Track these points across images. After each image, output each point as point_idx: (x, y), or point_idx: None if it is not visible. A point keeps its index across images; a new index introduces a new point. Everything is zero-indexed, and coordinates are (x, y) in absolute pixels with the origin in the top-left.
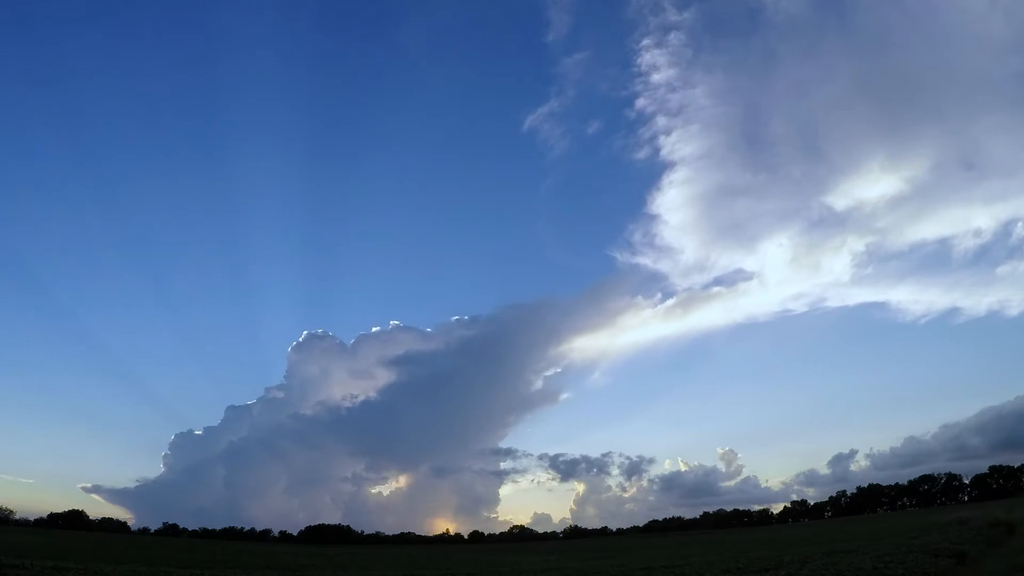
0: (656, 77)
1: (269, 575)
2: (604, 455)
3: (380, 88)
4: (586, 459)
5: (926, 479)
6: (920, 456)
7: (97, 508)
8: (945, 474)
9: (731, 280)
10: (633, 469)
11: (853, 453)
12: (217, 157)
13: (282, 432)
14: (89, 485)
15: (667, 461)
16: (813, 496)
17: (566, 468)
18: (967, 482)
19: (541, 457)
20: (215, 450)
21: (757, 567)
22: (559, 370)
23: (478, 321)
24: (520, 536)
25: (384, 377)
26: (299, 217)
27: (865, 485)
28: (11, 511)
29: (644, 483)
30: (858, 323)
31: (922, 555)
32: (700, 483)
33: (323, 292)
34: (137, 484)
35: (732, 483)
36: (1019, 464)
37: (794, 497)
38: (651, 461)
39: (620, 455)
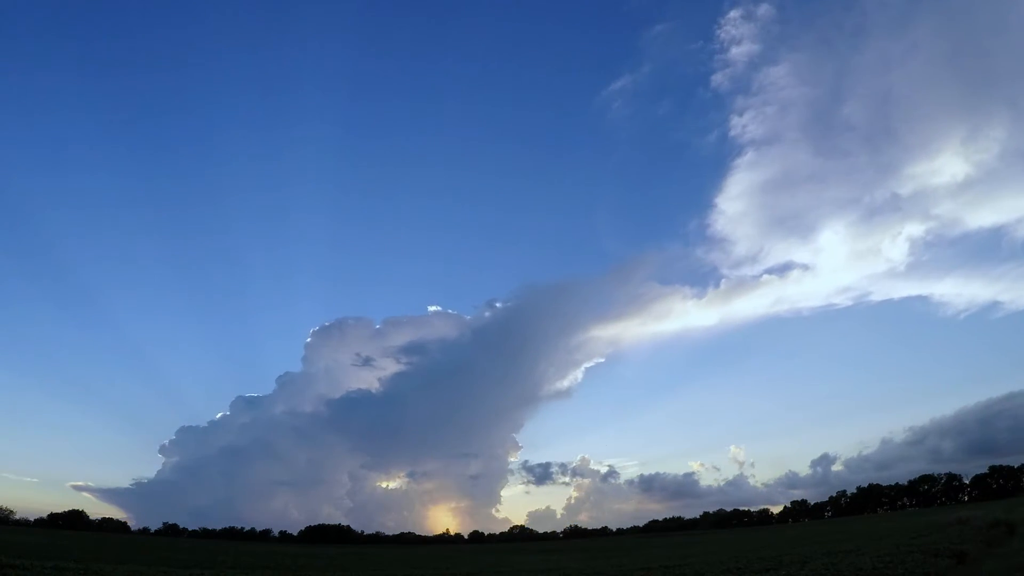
0: (737, 52)
1: (269, 575)
2: (580, 461)
3: (432, 63)
4: (561, 465)
5: (926, 479)
6: (889, 461)
7: (92, 507)
8: (945, 474)
9: (781, 272)
10: (610, 474)
11: (834, 456)
12: (256, 140)
13: (284, 427)
14: (81, 484)
15: (677, 463)
16: (799, 497)
17: (541, 472)
18: (967, 482)
19: (512, 463)
20: (217, 444)
21: (757, 567)
22: (587, 363)
23: (492, 306)
24: (520, 536)
25: (395, 368)
26: (342, 199)
27: (866, 485)
28: (11, 511)
29: (622, 485)
30: (899, 318)
31: (922, 555)
32: (681, 484)
33: (366, 276)
34: (133, 482)
35: (714, 485)
36: (1004, 463)
37: (782, 500)
38: (624, 468)
39: (596, 461)
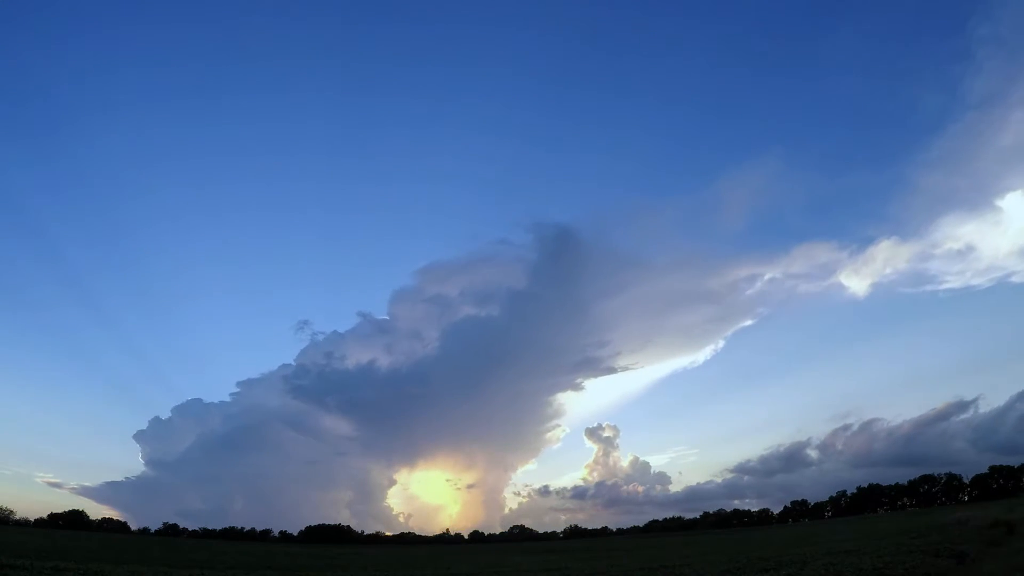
0: None
1: (269, 575)
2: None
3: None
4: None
5: (926, 479)
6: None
7: (71, 502)
8: (945, 474)
9: (943, 245)
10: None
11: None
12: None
13: (276, 419)
14: (88, 485)
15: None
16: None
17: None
18: (967, 482)
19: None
20: (218, 432)
21: (757, 567)
22: (731, 328)
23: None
24: (520, 536)
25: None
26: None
27: (865, 484)
28: (11, 511)
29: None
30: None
31: (922, 555)
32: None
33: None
34: (127, 478)
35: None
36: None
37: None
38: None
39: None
